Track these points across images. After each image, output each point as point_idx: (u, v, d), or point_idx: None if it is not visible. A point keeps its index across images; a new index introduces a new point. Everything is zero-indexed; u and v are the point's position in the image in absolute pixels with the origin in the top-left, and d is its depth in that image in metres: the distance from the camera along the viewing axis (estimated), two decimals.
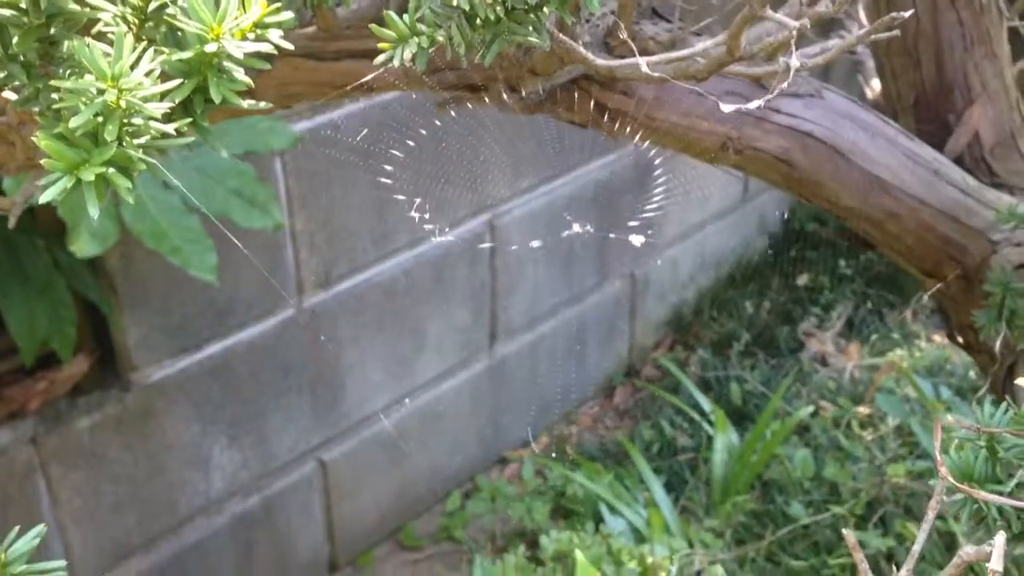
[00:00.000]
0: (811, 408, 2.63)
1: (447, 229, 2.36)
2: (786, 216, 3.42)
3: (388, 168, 1.05)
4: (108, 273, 1.86)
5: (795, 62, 0.54)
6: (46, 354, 1.86)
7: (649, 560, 1.64)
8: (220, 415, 2.10)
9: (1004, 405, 0.60)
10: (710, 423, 2.62)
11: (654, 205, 1.36)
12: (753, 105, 0.58)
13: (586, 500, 2.45)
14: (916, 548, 0.54)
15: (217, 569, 2.21)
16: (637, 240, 0.74)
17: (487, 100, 0.89)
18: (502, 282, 2.56)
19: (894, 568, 2.14)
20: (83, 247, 1.60)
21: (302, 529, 2.37)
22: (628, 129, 0.96)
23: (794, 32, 0.54)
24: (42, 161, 0.36)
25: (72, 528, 1.95)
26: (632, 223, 0.90)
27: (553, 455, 2.71)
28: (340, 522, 2.44)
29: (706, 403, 2.69)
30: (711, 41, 0.60)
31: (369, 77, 0.74)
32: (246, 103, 0.42)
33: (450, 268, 2.42)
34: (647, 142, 0.98)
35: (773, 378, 2.86)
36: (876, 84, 1.43)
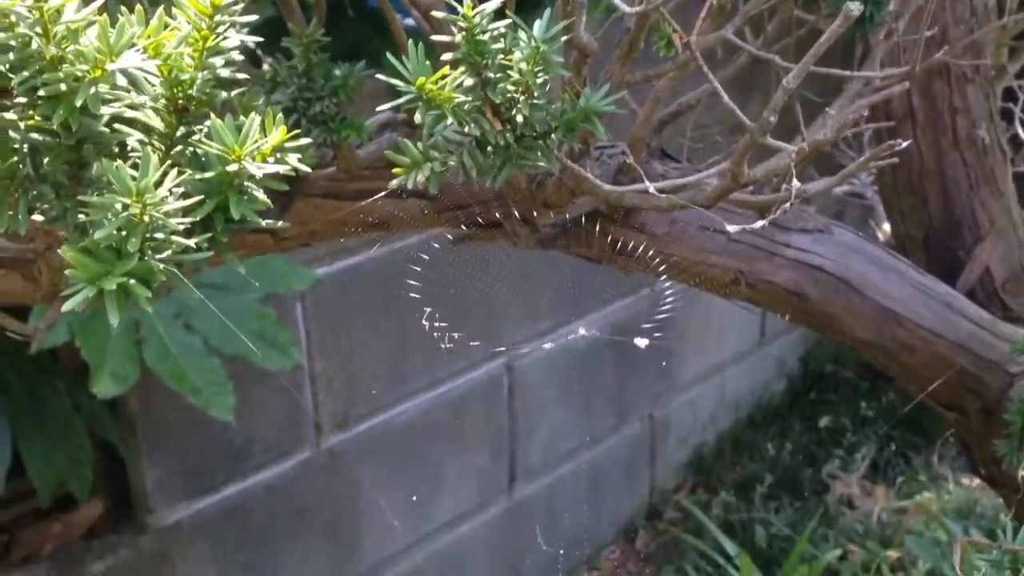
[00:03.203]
0: (839, 551, 2.56)
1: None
2: (804, 359, 3.41)
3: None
4: (127, 415, 1.87)
5: (797, 184, 0.56)
6: (60, 497, 1.85)
7: None
8: (235, 559, 2.07)
9: None
10: (735, 567, 2.55)
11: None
12: (759, 225, 0.59)
13: None
14: None
15: None
16: (642, 342, 0.74)
17: (501, 237, 0.91)
18: (520, 424, 2.55)
19: None
20: (104, 388, 1.62)
21: None
22: (641, 264, 0.98)
23: (793, 156, 0.56)
24: (67, 272, 0.38)
25: None
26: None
27: None
28: None
29: (731, 546, 2.62)
30: (715, 169, 0.62)
31: (381, 204, 0.76)
32: (264, 222, 0.44)
33: (468, 410, 2.42)
34: (661, 277, 0.99)
35: (799, 521, 2.80)
36: (887, 227, 1.46)
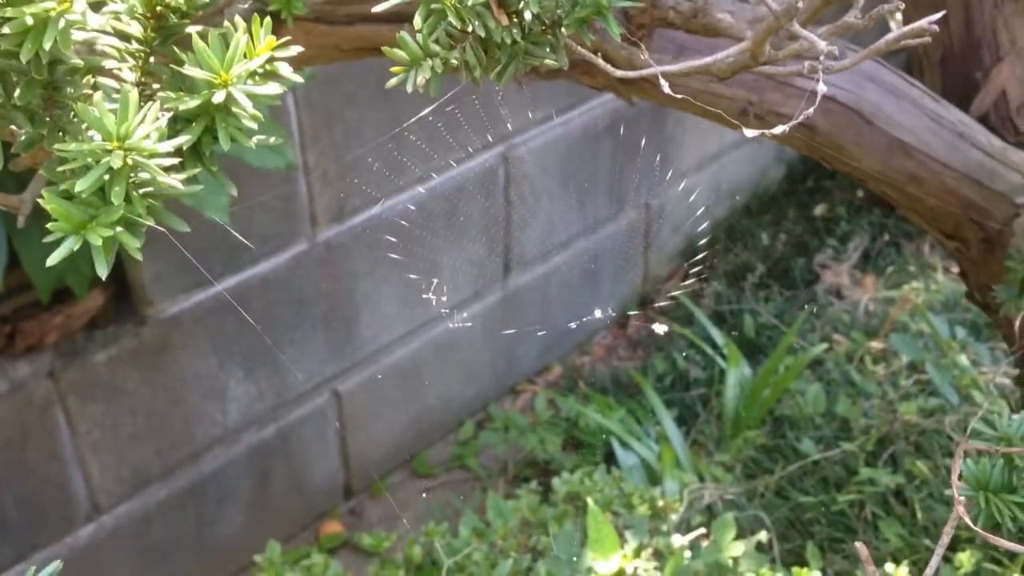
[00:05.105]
0: (825, 345, 2.63)
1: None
2: None
3: None
4: None
5: (826, 46, 0.52)
6: (61, 289, 1.87)
7: (660, 503, 1.66)
8: (235, 348, 2.12)
9: (1022, 413, 0.59)
10: (723, 356, 2.63)
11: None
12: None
13: (598, 431, 2.47)
14: (930, 572, 0.54)
15: (234, 497, 2.25)
16: (660, 328, 0.72)
17: None
18: (516, 214, 2.54)
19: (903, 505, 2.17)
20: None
21: (317, 457, 2.41)
22: (647, 95, 0.94)
23: (824, 49, 0.53)
24: (49, 225, 0.36)
25: (91, 459, 1.98)
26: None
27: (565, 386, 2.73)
28: (355, 450, 2.48)
29: (719, 336, 2.69)
30: (735, 48, 0.58)
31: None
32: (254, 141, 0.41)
33: (465, 200, 2.40)
34: (667, 107, 0.96)
35: (787, 311, 2.86)
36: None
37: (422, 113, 0.61)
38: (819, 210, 3.29)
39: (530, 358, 2.80)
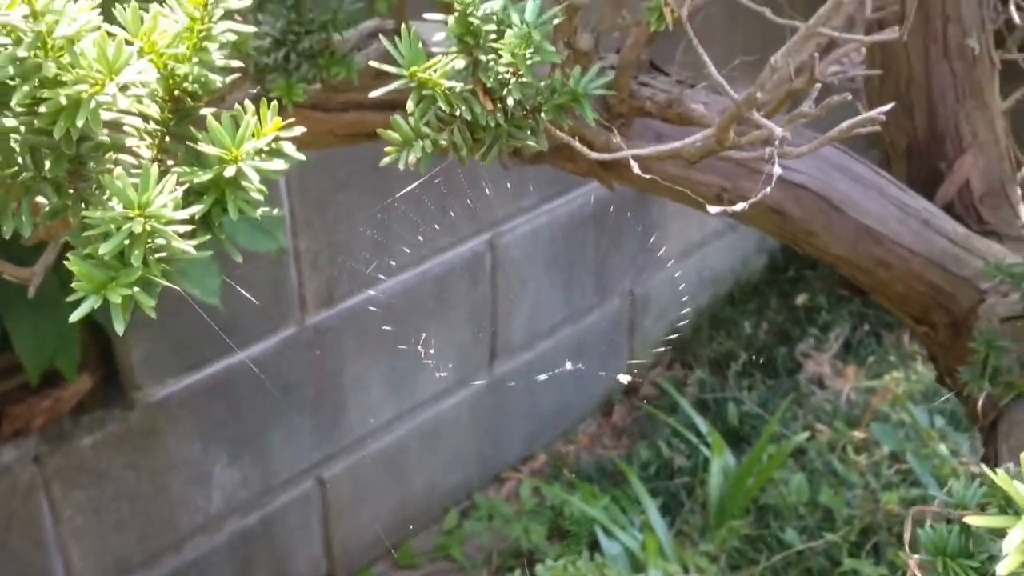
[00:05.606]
0: (808, 434, 2.65)
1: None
2: None
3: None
4: None
5: (781, 133, 0.56)
6: (50, 372, 1.88)
7: None
8: (222, 433, 2.12)
9: (977, 481, 0.62)
10: (707, 444, 2.64)
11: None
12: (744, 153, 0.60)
13: (583, 520, 2.47)
14: None
15: None
16: (624, 378, 0.76)
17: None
18: (502, 301, 2.58)
19: None
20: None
21: (300, 546, 2.39)
22: (626, 180, 0.98)
23: (779, 134, 0.57)
24: (73, 284, 0.39)
25: (73, 545, 1.97)
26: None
27: (551, 474, 2.73)
28: (338, 539, 2.46)
29: (703, 424, 2.71)
30: (702, 134, 0.62)
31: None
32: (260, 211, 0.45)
33: (451, 286, 2.44)
34: (647, 191, 1.00)
35: (770, 399, 2.88)
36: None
37: (410, 186, 0.65)
38: (801, 299, 3.34)
39: (515, 445, 2.81)
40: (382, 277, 2.27)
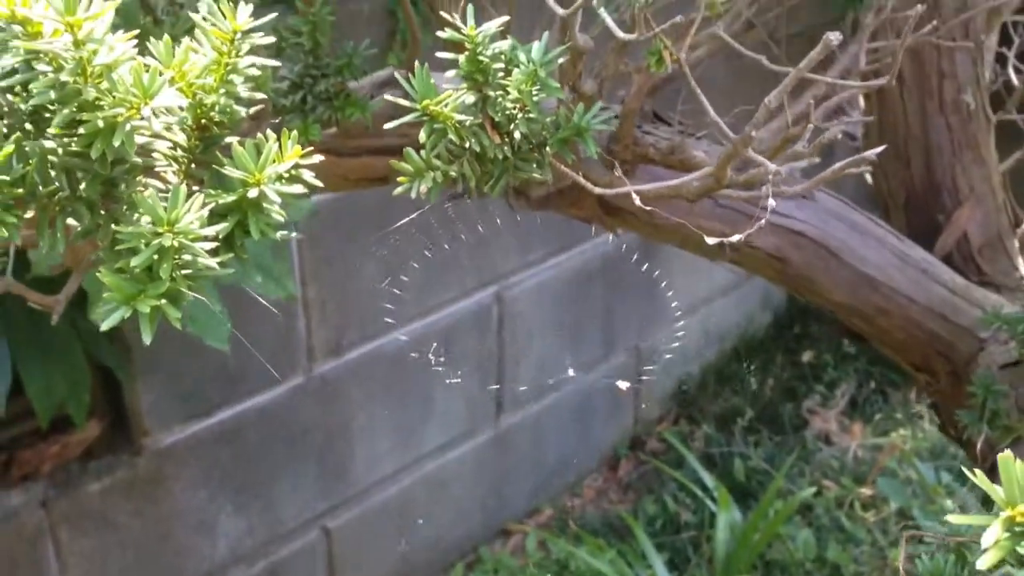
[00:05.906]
0: (814, 489, 2.65)
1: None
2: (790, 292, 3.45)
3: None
4: (124, 339, 1.90)
5: (775, 167, 0.59)
6: (58, 418, 1.90)
7: None
8: (228, 481, 2.13)
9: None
10: (713, 499, 2.64)
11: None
12: (745, 195, 0.62)
13: (589, 574, 2.46)
14: None
15: None
16: (623, 384, 0.78)
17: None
18: (509, 353, 2.60)
19: None
20: (103, 315, 1.65)
21: None
22: (629, 226, 1.01)
23: (772, 170, 0.59)
24: (104, 295, 0.41)
25: None
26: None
27: (557, 527, 2.73)
28: None
29: (709, 479, 2.70)
30: (700, 172, 0.65)
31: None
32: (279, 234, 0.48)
33: (458, 338, 2.46)
34: (650, 238, 1.03)
35: (777, 455, 2.88)
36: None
37: (410, 216, 0.68)
38: (806, 356, 3.35)
39: (521, 499, 2.81)
40: (390, 321, 2.29)
